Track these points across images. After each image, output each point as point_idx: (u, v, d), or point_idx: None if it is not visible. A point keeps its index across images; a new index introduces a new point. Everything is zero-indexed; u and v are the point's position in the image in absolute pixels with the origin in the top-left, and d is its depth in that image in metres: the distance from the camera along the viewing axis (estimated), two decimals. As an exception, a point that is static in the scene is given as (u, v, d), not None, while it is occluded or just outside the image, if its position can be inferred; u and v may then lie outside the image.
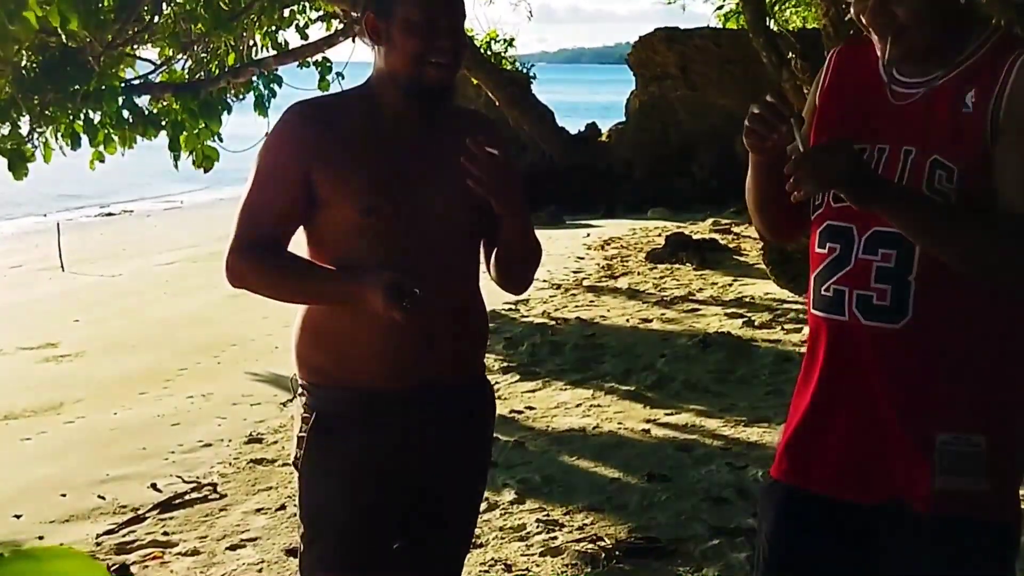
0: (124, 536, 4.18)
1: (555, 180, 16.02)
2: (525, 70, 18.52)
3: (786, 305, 7.99)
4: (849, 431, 1.89)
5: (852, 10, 1.87)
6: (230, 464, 5.03)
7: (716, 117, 16.33)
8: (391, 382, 2.15)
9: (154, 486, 4.74)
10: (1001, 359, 1.84)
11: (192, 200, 22.25)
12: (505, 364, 6.62)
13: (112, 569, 3.79)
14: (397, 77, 2.15)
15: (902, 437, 1.83)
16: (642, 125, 17.04)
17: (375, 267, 2.07)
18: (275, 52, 8.48)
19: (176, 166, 7.54)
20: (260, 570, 3.81)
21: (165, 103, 7.53)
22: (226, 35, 7.55)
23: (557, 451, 4.98)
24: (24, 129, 6.71)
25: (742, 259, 10.50)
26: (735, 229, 12.33)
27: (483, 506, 3.11)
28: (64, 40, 6.21)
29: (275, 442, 5.33)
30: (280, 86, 8.39)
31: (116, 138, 7.07)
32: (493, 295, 2.36)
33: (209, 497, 4.57)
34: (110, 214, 20.38)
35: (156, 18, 7.30)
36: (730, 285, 9.16)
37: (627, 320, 7.85)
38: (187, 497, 4.58)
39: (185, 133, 7.44)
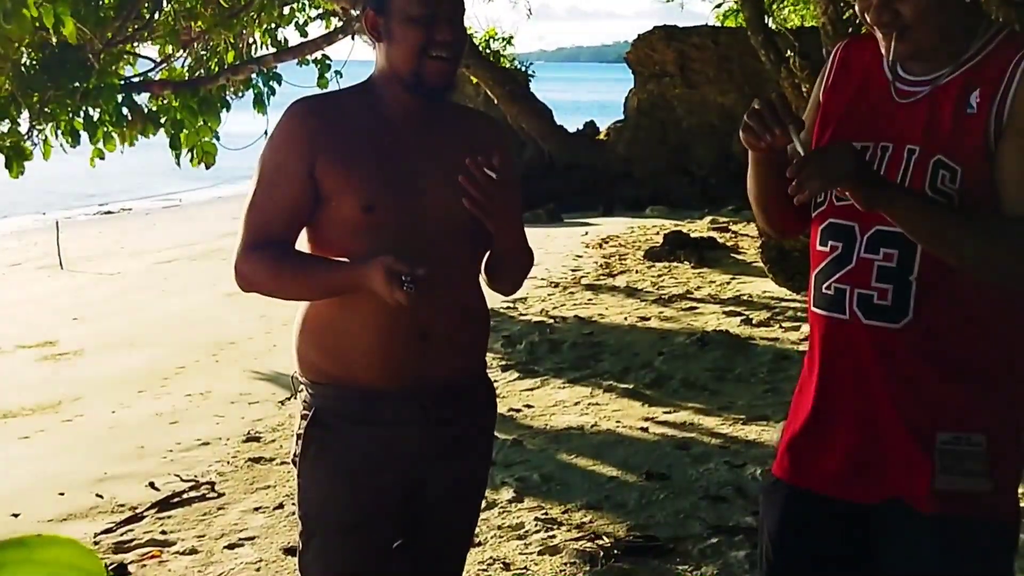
0: (122, 535, 4.18)
1: (553, 178, 16.05)
2: (524, 68, 18.55)
3: (784, 303, 7.99)
4: (849, 430, 1.89)
5: (856, 7, 1.86)
6: (228, 463, 5.02)
7: (715, 115, 16.37)
8: (390, 380, 2.15)
9: (152, 485, 4.74)
10: (1001, 359, 1.84)
11: (191, 198, 22.28)
12: (503, 362, 6.61)
13: (110, 568, 3.78)
14: (398, 73, 2.14)
15: (902, 436, 1.83)
16: (641, 123, 17.04)
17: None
18: (275, 50, 8.47)
19: (178, 164, 7.54)
20: (258, 569, 3.80)
21: (165, 100, 7.52)
22: (226, 32, 7.55)
23: (555, 449, 4.97)
24: (24, 126, 6.70)
25: (740, 257, 10.50)
26: (733, 227, 12.34)
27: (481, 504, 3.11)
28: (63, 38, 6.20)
29: (273, 441, 5.32)
30: (279, 84, 8.37)
31: (116, 136, 7.06)
32: (491, 293, 2.35)
33: (207, 496, 4.57)
34: (109, 212, 20.39)
35: (156, 15, 7.30)
36: (728, 283, 9.16)
37: (625, 318, 7.85)
38: (185, 496, 4.57)
39: (185, 131, 7.44)
